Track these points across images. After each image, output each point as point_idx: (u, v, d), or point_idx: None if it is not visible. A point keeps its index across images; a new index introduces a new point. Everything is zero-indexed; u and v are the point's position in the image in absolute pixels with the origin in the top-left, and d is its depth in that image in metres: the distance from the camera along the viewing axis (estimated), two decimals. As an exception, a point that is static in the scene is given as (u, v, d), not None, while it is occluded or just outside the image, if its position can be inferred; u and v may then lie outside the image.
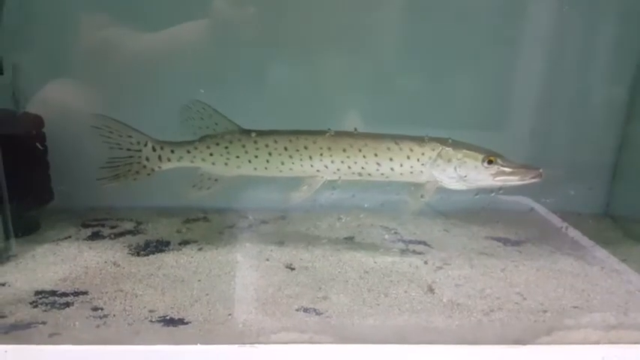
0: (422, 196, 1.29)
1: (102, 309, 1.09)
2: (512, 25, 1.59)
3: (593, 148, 1.71)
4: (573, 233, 1.59)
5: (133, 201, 1.59)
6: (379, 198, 1.55)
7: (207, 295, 1.15)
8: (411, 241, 1.49)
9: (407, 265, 1.33)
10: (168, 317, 1.07)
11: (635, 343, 1.08)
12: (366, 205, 1.60)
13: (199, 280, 1.21)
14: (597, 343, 1.08)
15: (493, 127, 1.67)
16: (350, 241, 1.47)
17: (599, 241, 1.53)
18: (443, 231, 1.59)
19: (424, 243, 1.48)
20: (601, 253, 1.47)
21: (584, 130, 1.69)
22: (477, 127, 1.56)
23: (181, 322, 1.05)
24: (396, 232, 1.55)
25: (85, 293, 1.14)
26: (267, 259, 1.33)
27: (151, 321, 1.05)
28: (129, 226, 1.50)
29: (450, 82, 1.62)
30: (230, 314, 1.08)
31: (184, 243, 1.40)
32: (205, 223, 1.55)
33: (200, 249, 1.37)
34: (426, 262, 1.36)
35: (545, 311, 1.15)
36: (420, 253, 1.41)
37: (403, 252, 1.42)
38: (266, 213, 1.62)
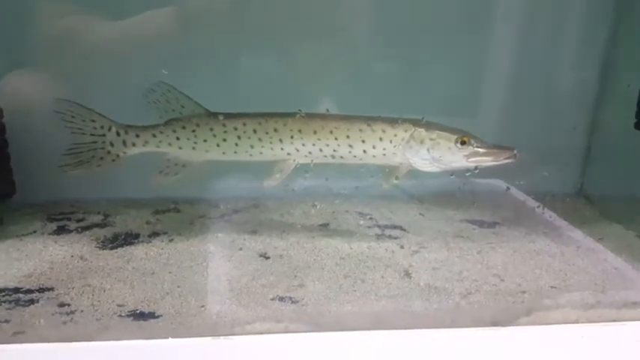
0: (396, 179, 1.27)
1: (69, 305, 1.04)
2: (485, 8, 1.59)
3: (565, 129, 1.71)
4: (548, 214, 1.60)
5: (101, 193, 1.54)
6: (353, 183, 1.53)
7: (178, 287, 1.12)
8: (386, 226, 1.47)
9: (383, 250, 1.32)
10: (138, 311, 1.03)
11: (614, 320, 1.08)
12: (344, 192, 1.58)
13: (170, 272, 1.18)
14: (576, 322, 1.09)
15: (466, 112, 1.68)
16: (325, 228, 1.45)
17: (574, 221, 1.53)
18: (418, 215, 1.58)
19: (400, 228, 1.46)
20: (577, 233, 1.47)
21: (556, 112, 1.69)
22: (450, 113, 1.54)
23: (152, 315, 1.02)
24: (371, 218, 1.53)
25: (50, 289, 1.10)
26: (241, 249, 1.30)
27: (121, 316, 1.01)
28: (96, 219, 1.45)
29: (422, 68, 1.61)
30: (203, 306, 1.05)
31: (154, 235, 1.36)
32: (176, 214, 1.51)
33: (171, 240, 1.33)
34: (402, 247, 1.34)
35: (523, 292, 1.15)
36: (395, 238, 1.39)
37: (379, 237, 1.40)
38: (238, 202, 1.59)
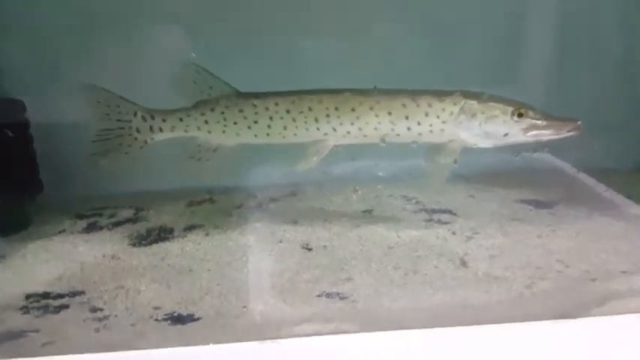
0: (455, 162, 1.16)
1: (101, 309, 0.98)
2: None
3: (623, 101, 1.59)
4: (608, 192, 1.48)
5: (132, 185, 1.48)
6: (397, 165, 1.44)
7: (218, 285, 1.04)
8: (434, 210, 1.38)
9: (434, 237, 1.23)
10: (175, 314, 0.95)
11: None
12: (380, 174, 1.49)
13: (208, 270, 1.10)
14: None
15: (509, 80, 1.56)
16: (369, 215, 1.36)
17: (637, 199, 1.41)
18: (468, 197, 1.48)
19: (449, 212, 1.37)
20: None
21: (611, 80, 1.58)
22: (492, 81, 1.45)
23: (191, 318, 0.94)
24: (417, 202, 1.44)
25: (81, 293, 1.03)
26: (281, 241, 1.21)
27: (157, 320, 0.94)
28: (128, 213, 1.38)
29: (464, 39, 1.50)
30: (245, 306, 0.97)
31: (189, 228, 1.29)
32: (211, 205, 1.44)
33: (207, 234, 1.25)
34: (454, 233, 1.25)
35: (593, 280, 1.05)
36: (446, 223, 1.30)
37: (428, 223, 1.31)
38: (275, 189, 1.50)
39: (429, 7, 1.45)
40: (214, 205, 1.44)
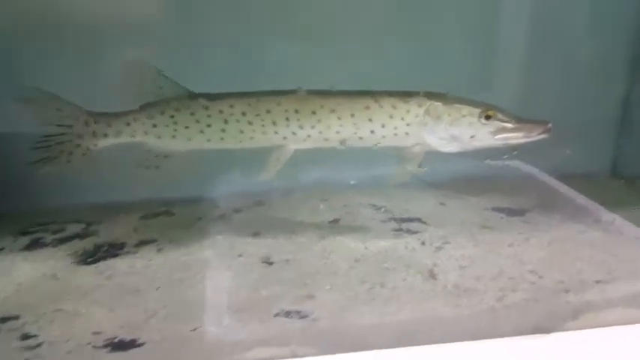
0: (419, 166, 1.10)
1: (35, 336, 0.88)
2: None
3: (595, 104, 1.56)
4: (581, 197, 1.45)
5: (84, 197, 1.38)
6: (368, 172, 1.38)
7: (165, 307, 0.96)
8: (404, 219, 1.32)
9: (402, 248, 1.18)
10: (117, 340, 0.87)
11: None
12: (352, 182, 1.43)
13: (157, 289, 1.02)
14: (632, 322, 0.94)
15: (487, 86, 1.53)
16: (336, 225, 1.30)
17: (611, 204, 1.38)
18: (438, 204, 1.43)
19: (419, 220, 1.32)
20: (616, 218, 1.31)
21: (583, 83, 1.55)
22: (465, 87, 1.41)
23: (133, 344, 0.86)
24: (386, 210, 1.38)
25: (15, 318, 0.93)
26: (240, 255, 1.14)
27: (95, 347, 0.85)
28: (77, 228, 1.29)
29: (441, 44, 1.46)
30: (195, 329, 0.89)
31: (142, 244, 1.20)
32: (168, 218, 1.36)
33: (160, 249, 1.17)
34: (423, 243, 1.20)
35: (567, 291, 1.00)
36: (415, 232, 1.25)
37: (397, 232, 1.26)
38: (241, 199, 1.43)
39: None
40: (172, 217, 1.36)
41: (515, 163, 1.59)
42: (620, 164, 1.63)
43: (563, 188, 1.49)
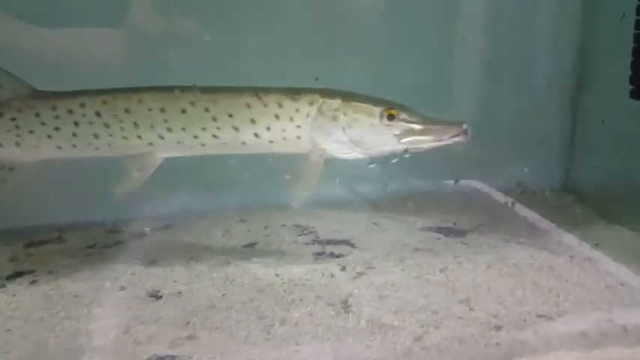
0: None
1: None
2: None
3: (544, 119, 1.51)
4: (530, 215, 1.35)
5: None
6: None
7: (7, 352, 0.78)
8: (329, 242, 1.19)
9: (319, 275, 1.03)
10: None
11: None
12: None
13: (8, 331, 0.84)
14: None
15: (436, 106, 1.40)
16: (249, 250, 1.15)
17: (563, 223, 1.29)
18: (371, 224, 1.30)
19: (346, 242, 1.19)
20: (568, 238, 1.21)
21: (534, 99, 1.50)
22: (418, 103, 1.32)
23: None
24: (311, 232, 1.24)
25: None
26: (123, 288, 0.97)
27: None
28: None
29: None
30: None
31: (15, 276, 1.03)
32: (57, 246, 1.18)
33: (33, 282, 1.00)
34: (344, 269, 1.05)
35: (498, 327, 0.85)
36: (338, 257, 1.11)
37: (317, 257, 1.11)
38: (149, 222, 1.27)
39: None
40: (61, 245, 1.18)
41: (468, 182, 1.51)
42: (572, 178, 1.54)
43: (515, 206, 1.38)
